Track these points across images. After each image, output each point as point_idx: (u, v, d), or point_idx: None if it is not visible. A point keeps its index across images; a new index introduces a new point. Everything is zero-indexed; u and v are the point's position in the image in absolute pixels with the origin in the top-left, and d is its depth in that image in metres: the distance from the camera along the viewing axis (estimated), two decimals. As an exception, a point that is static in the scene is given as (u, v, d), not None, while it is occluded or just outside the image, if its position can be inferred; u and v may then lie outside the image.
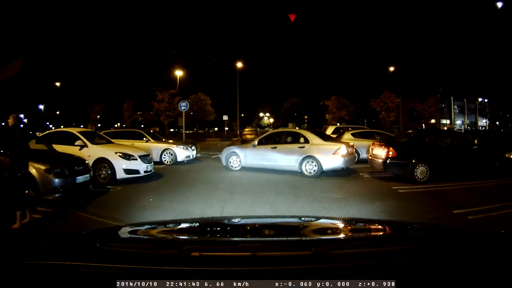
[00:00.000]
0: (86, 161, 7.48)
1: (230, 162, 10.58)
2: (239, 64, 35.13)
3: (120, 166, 8.33)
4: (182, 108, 18.11)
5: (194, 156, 13.30)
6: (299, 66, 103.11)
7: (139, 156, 8.69)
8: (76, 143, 8.71)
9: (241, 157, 10.39)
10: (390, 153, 8.41)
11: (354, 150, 10.39)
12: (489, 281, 1.06)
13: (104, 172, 8.45)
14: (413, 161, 8.40)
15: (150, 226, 2.03)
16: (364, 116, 46.69)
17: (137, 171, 8.50)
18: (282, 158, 9.66)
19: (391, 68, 36.08)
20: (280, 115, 63.32)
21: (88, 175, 7.02)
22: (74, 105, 40.13)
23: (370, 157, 9.54)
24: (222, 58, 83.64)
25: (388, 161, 8.45)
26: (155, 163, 11.99)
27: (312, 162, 9.21)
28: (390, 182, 8.41)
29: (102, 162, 8.46)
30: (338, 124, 28.81)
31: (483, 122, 62.25)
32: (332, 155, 9.12)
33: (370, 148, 9.63)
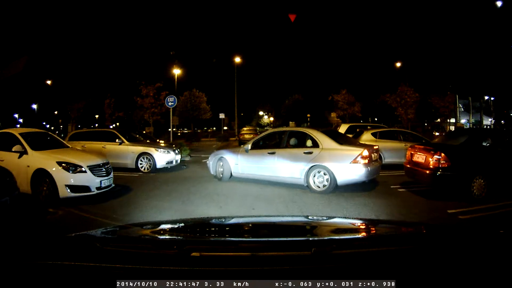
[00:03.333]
0: (13, 176, 5.33)
1: (218, 170, 8.34)
2: (237, 60, 33.06)
3: (63, 181, 5.98)
4: (169, 104, 15.64)
5: (178, 161, 10.94)
6: (300, 62, 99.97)
7: (89, 167, 6.25)
8: (13, 149, 6.46)
9: (231, 165, 8.08)
10: (443, 161, 5.98)
11: (379, 155, 8.02)
12: (489, 281, 1.04)
13: (45, 188, 6.15)
14: (470, 172, 6.15)
15: (150, 226, 2.00)
16: (368, 114, 44.50)
17: (86, 188, 6.10)
18: (283, 167, 7.28)
19: (398, 64, 33.94)
20: (282, 113, 60.47)
21: (7, 198, 4.83)
22: (57, 103, 37.61)
23: (408, 166, 7.09)
24: (219, 54, 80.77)
25: (438, 173, 6.03)
26: (131, 170, 9.85)
27: (324, 174, 6.84)
28: (438, 201, 6.13)
29: (43, 175, 6.16)
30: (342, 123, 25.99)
31: (488, 121, 60.63)
32: (350, 164, 6.68)
33: (409, 153, 7.14)
